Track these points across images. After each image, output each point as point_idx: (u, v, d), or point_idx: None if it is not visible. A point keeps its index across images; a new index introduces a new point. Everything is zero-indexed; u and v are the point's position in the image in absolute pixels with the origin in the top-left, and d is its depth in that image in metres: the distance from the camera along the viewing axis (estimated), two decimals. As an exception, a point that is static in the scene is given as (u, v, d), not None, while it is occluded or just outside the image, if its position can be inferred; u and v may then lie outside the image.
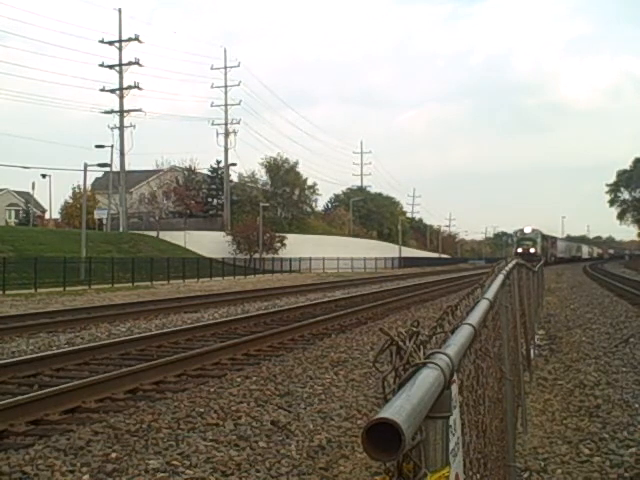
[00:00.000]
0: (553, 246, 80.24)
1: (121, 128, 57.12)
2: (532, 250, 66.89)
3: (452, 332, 1.81)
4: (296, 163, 75.82)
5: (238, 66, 66.46)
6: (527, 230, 72.64)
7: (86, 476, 5.13)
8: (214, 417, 6.78)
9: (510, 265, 6.16)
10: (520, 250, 67.37)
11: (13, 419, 6.73)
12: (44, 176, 54.08)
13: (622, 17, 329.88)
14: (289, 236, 63.91)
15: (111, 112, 57.35)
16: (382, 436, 1.05)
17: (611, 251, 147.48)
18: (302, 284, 34.88)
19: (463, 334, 1.81)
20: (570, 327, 14.72)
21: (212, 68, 66.19)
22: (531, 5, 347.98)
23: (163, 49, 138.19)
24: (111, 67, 57.66)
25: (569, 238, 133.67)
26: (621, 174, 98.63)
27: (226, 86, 65.70)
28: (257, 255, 57.67)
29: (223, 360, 10.70)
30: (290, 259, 58.62)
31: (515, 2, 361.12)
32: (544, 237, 74.64)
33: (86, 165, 39.84)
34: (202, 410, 7.02)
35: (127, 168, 58.90)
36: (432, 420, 1.30)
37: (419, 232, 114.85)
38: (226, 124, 65.66)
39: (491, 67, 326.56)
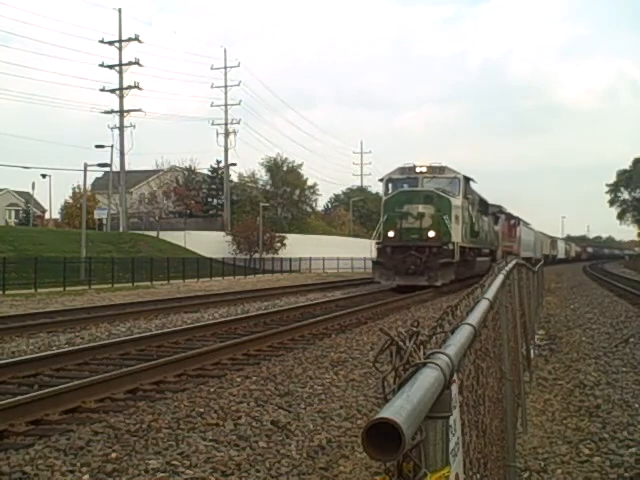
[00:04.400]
0: (510, 234, 42.68)
1: (121, 128, 57.12)
2: (432, 234, 24.94)
3: (452, 332, 1.81)
4: (300, 165, 76.08)
5: (238, 66, 66.52)
6: (421, 169, 26.88)
7: (86, 476, 5.13)
8: (214, 417, 6.78)
9: (510, 265, 6.16)
10: (392, 234, 25.18)
11: (13, 419, 6.72)
12: (44, 176, 54.21)
13: (621, 19, 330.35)
14: (289, 236, 63.85)
15: (111, 112, 57.35)
16: (382, 436, 1.05)
17: (590, 249, 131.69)
18: (302, 284, 34.83)
19: (463, 334, 1.81)
20: (570, 327, 14.72)
21: (212, 68, 66.19)
22: (528, 8, 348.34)
23: (163, 49, 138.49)
24: (111, 67, 57.65)
25: (569, 238, 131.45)
26: (621, 174, 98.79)
27: (226, 86, 65.72)
28: (257, 255, 57.64)
29: (223, 360, 10.69)
30: (290, 259, 58.57)
31: (513, 5, 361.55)
32: (477, 202, 30.57)
33: (86, 165, 39.87)
34: (202, 410, 7.02)
35: (127, 168, 58.91)
36: (432, 420, 1.30)
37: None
38: (226, 124, 65.67)
39: (489, 69, 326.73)
